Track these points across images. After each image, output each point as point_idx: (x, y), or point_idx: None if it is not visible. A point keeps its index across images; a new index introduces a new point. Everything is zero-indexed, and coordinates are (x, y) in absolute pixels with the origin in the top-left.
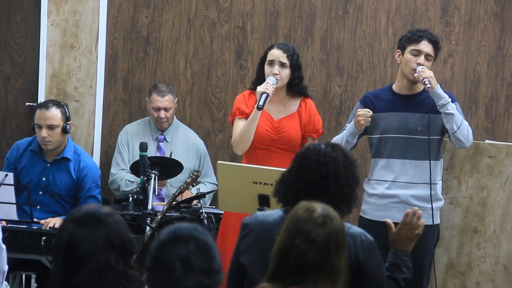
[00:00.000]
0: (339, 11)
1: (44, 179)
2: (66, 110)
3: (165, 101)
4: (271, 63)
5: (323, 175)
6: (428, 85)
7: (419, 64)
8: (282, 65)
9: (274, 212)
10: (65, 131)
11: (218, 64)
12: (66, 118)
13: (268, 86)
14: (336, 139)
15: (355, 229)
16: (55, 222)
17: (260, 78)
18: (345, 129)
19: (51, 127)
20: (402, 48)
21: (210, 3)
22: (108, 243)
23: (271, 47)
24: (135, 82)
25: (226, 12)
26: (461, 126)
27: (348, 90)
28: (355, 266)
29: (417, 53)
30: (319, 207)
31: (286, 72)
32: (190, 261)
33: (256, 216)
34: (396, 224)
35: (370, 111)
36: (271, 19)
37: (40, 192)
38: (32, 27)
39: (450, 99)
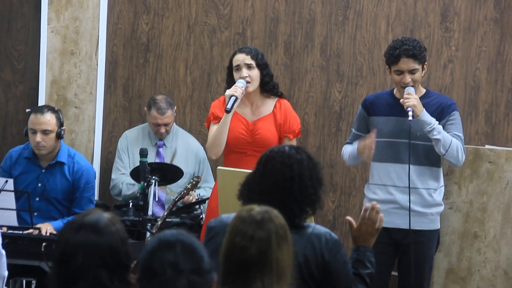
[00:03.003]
0: (339, 17)
1: (40, 185)
2: (60, 115)
3: (165, 118)
4: (238, 68)
5: (288, 176)
6: (410, 118)
7: (404, 83)
8: (249, 66)
9: (234, 216)
10: (59, 136)
11: (218, 71)
12: (60, 124)
13: (236, 88)
14: (346, 152)
15: (320, 228)
16: (46, 229)
17: (230, 87)
18: (352, 134)
19: (45, 132)
20: (388, 67)
21: (210, 9)
22: (101, 261)
23: (233, 54)
24: (135, 89)
25: (226, 19)
26: (450, 149)
27: (348, 96)
28: (321, 265)
29: (400, 73)
30: (259, 207)
31: (255, 72)
32: (179, 264)
33: (221, 218)
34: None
35: (372, 141)
36: (271, 25)
37: (37, 199)
38: (32, 34)
39: (436, 124)
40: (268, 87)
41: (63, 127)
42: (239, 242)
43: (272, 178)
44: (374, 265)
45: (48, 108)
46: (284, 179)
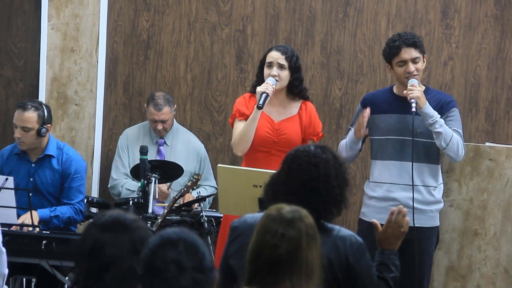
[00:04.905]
0: (339, 14)
1: (31, 179)
2: (45, 113)
3: (162, 114)
4: (270, 65)
5: (314, 176)
6: (413, 109)
7: (409, 73)
8: (281, 66)
9: (263, 215)
10: (39, 134)
11: (218, 68)
12: (43, 122)
13: (267, 86)
14: (342, 145)
15: (345, 231)
16: (28, 220)
17: (260, 81)
18: (349, 133)
19: (24, 129)
20: (389, 63)
21: (210, 6)
22: (133, 249)
23: (270, 50)
24: (136, 86)
25: (226, 16)
26: (450, 143)
27: (349, 93)
28: (345, 268)
29: (403, 63)
30: (288, 206)
31: (285, 73)
32: (182, 262)
33: (245, 218)
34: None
35: (365, 116)
36: (271, 22)
37: (30, 194)
38: (32, 31)
39: (438, 117)
40: (296, 90)
41: (48, 125)
42: (269, 240)
43: (297, 178)
44: (398, 268)
45: (33, 104)
46: (310, 179)
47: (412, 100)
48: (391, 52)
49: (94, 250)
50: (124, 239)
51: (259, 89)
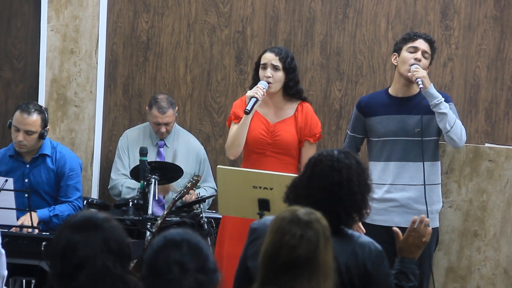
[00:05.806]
0: (338, 15)
1: (26, 180)
2: (46, 115)
3: (166, 117)
4: (264, 66)
5: (336, 181)
6: (420, 85)
7: (416, 59)
8: (275, 68)
9: (274, 217)
10: (41, 137)
11: (218, 69)
12: (45, 124)
13: (257, 90)
14: None
15: (364, 238)
16: (27, 221)
17: (256, 83)
18: (348, 136)
19: (28, 133)
20: (398, 50)
21: (210, 7)
22: (106, 247)
23: (264, 51)
24: (135, 87)
25: (226, 17)
26: (454, 126)
27: (348, 94)
28: (363, 275)
29: (414, 50)
30: (302, 208)
31: (279, 74)
32: (185, 263)
33: (265, 220)
34: (399, 228)
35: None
36: (271, 24)
37: (26, 195)
38: (32, 33)
39: (443, 99)
40: (291, 91)
41: (47, 127)
42: (287, 241)
43: (319, 182)
44: (417, 278)
45: (36, 108)
46: (332, 183)
47: (418, 80)
48: (407, 37)
49: (67, 250)
50: (96, 238)
51: (248, 93)
